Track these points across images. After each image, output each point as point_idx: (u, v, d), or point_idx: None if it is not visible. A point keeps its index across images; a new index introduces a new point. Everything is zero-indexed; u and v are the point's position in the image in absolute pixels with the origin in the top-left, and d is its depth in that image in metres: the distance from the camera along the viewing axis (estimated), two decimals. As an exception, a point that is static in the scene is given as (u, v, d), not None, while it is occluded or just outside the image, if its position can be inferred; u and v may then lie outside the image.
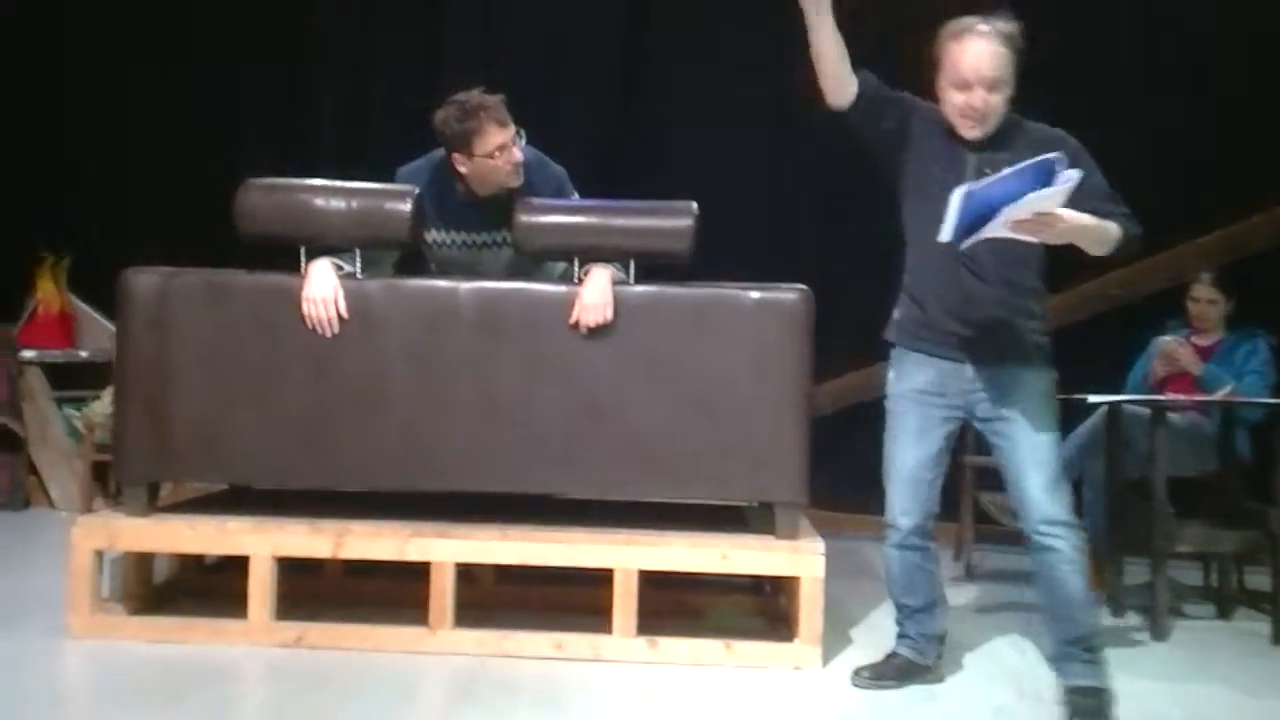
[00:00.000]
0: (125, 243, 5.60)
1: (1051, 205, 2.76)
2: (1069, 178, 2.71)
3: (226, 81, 6.15)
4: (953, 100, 2.95)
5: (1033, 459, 2.99)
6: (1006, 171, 2.76)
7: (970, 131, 2.96)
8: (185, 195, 5.98)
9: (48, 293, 6.02)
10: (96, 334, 6.00)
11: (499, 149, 3.49)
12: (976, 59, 2.89)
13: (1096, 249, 2.92)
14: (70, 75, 6.13)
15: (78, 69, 6.12)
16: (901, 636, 3.26)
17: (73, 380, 5.90)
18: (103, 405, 5.66)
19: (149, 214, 6.05)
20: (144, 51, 6.11)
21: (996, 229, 2.80)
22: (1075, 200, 2.82)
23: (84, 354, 5.95)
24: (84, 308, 6.08)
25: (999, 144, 2.96)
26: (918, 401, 3.10)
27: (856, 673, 3.22)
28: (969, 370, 3.04)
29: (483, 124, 3.47)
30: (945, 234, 2.77)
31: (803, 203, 5.96)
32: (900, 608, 3.26)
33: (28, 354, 5.81)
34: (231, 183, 3.52)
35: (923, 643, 3.24)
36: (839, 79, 3.03)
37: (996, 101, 2.92)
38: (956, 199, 2.74)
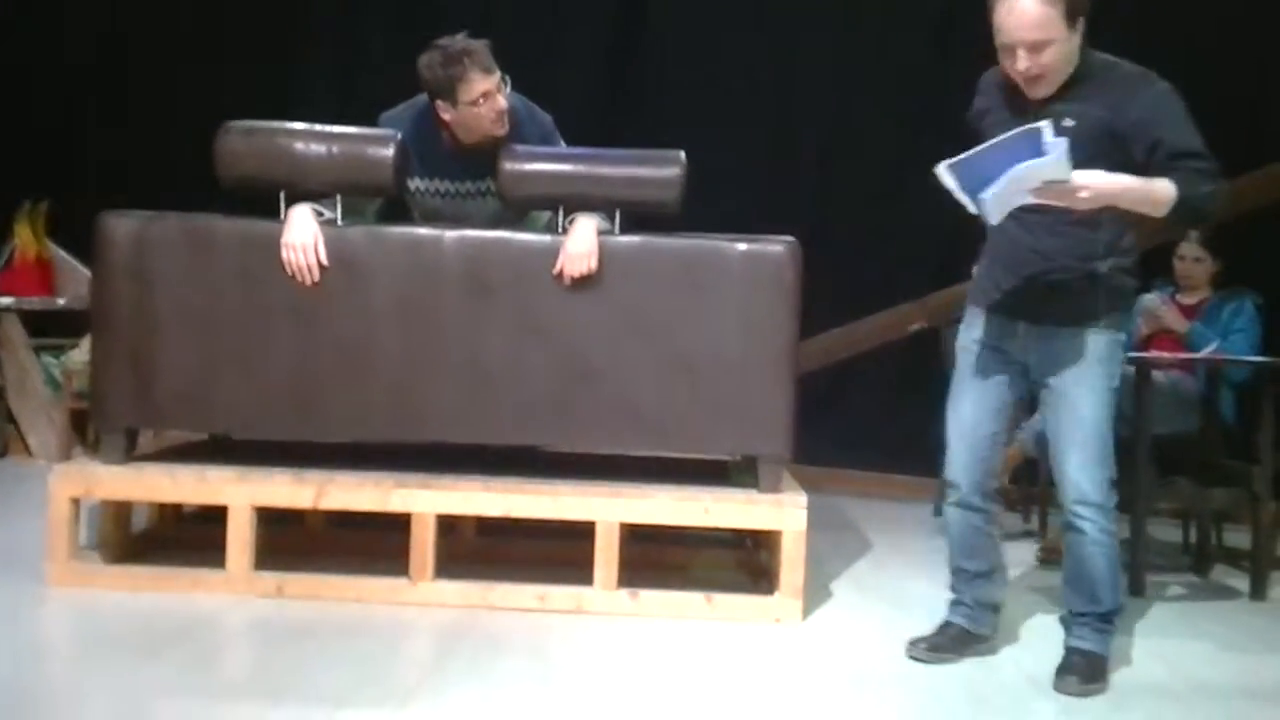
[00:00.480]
0: (105, 188, 5.53)
1: (1058, 174, 2.67)
2: (1055, 145, 2.63)
3: (219, 35, 6.04)
4: (1005, 65, 2.86)
5: (1071, 434, 2.89)
6: (988, 143, 2.70)
7: (1034, 92, 2.85)
8: (171, 144, 5.89)
9: (25, 239, 5.93)
10: (75, 281, 5.91)
11: (483, 96, 3.43)
12: (1015, 23, 2.77)
13: (1150, 210, 2.76)
14: (63, 23, 6.01)
15: (71, 16, 6.00)
16: (956, 604, 3.15)
17: (51, 328, 5.82)
18: (81, 354, 5.59)
19: (132, 160, 5.95)
20: (136, 6, 6.01)
21: (1018, 199, 2.73)
22: (1084, 136, 2.73)
23: (62, 301, 5.87)
24: (62, 254, 6.00)
25: (1067, 94, 2.83)
26: (977, 353, 3.01)
27: (912, 644, 3.11)
28: (1021, 328, 2.96)
29: (466, 71, 3.41)
30: (971, 207, 2.72)
31: (794, 159, 5.91)
32: (956, 571, 3.14)
33: (5, 301, 5.74)
34: (215, 129, 3.46)
35: (978, 611, 3.12)
36: None
37: (1047, 61, 2.78)
38: (942, 173, 2.69)
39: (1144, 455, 3.89)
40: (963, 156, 2.69)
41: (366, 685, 2.72)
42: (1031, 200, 2.75)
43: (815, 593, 3.56)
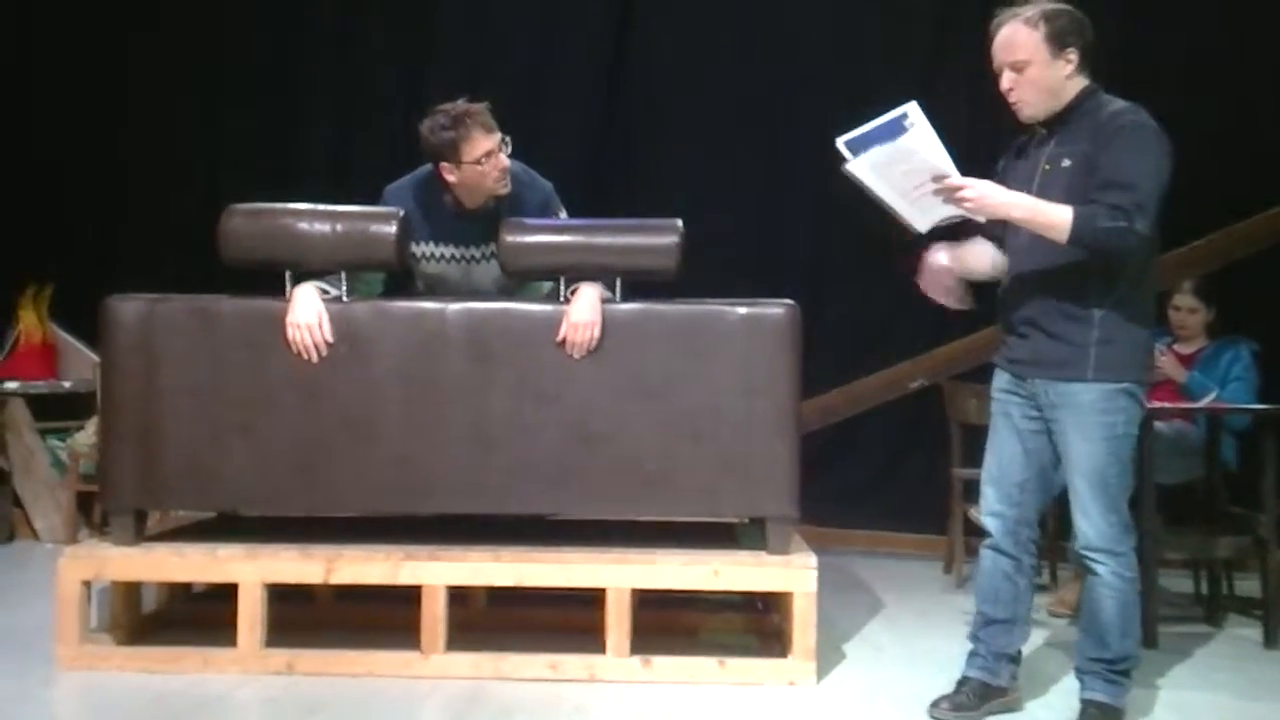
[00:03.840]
0: (107, 271, 5.59)
1: (935, 162, 2.79)
2: (914, 124, 2.74)
3: (212, 110, 6.14)
4: (1001, 89, 2.97)
5: (1073, 483, 2.92)
6: (869, 124, 2.81)
7: (1021, 114, 2.96)
8: (170, 224, 5.97)
9: (29, 323, 5.97)
10: (79, 364, 5.96)
11: (486, 155, 3.49)
12: (1000, 44, 2.93)
13: (1047, 233, 2.83)
14: (53, 104, 6.11)
15: (60, 96, 6.10)
16: (973, 655, 3.14)
17: (56, 411, 5.85)
18: (86, 435, 5.61)
19: (132, 243, 6.02)
20: (130, 79, 6.11)
21: (932, 205, 2.87)
22: (1078, 176, 2.83)
23: (67, 384, 5.90)
24: (66, 337, 6.04)
25: (1065, 135, 2.92)
26: (1001, 402, 3.07)
27: (935, 704, 3.09)
28: (1026, 380, 3.00)
29: (469, 130, 3.47)
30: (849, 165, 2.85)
31: (790, 219, 5.97)
32: (978, 615, 3.13)
33: (10, 385, 5.76)
34: (217, 210, 3.52)
35: (993, 662, 3.11)
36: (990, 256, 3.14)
37: (1028, 81, 2.89)
38: (841, 147, 2.83)
39: (1149, 505, 3.89)
40: (855, 132, 2.83)
41: (381, 761, 2.71)
42: (947, 208, 2.87)
43: (828, 653, 3.54)
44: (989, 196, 2.84)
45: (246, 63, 6.12)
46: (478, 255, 3.69)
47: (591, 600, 3.48)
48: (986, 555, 3.12)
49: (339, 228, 3.43)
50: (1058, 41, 2.88)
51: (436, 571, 3.35)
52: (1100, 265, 2.86)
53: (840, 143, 2.85)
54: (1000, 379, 3.10)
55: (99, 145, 6.09)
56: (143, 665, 3.35)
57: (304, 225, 3.43)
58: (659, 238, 3.48)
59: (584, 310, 3.38)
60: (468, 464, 3.42)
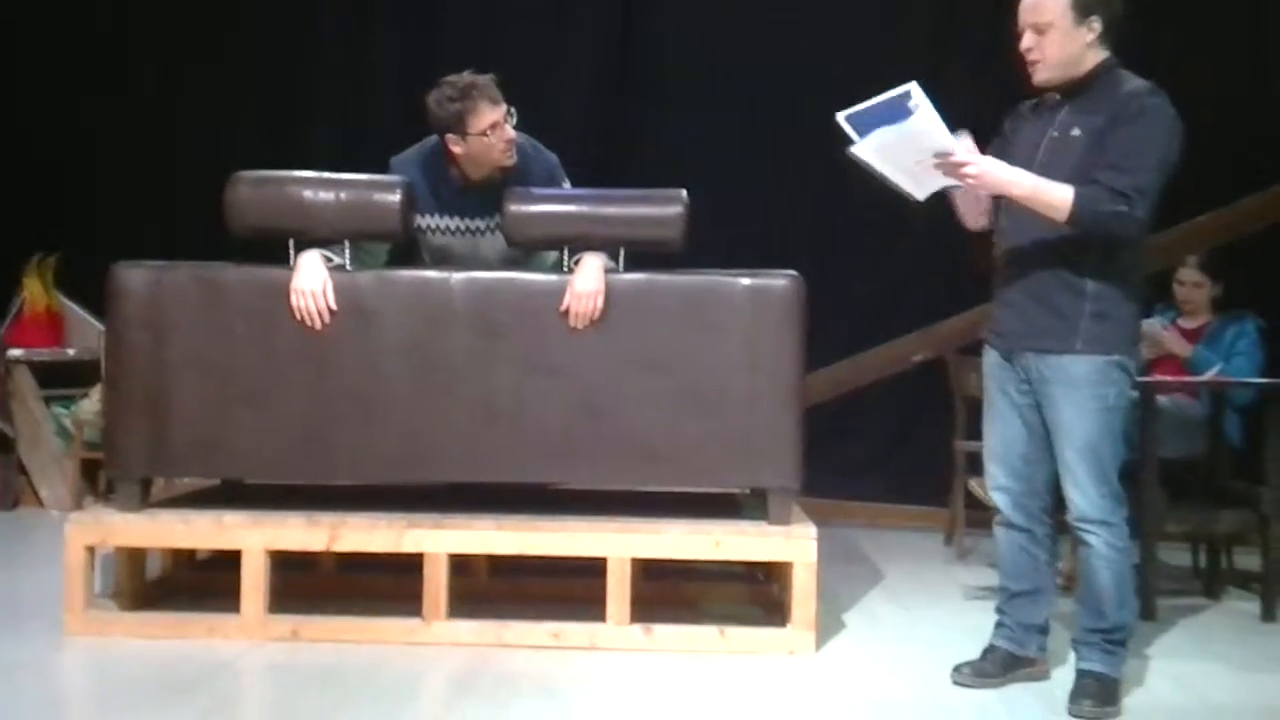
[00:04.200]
0: (113, 240, 5.59)
1: (939, 142, 2.79)
2: (919, 107, 2.74)
3: (220, 79, 6.13)
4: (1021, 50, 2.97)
5: (1064, 455, 2.93)
6: (871, 101, 2.81)
7: (1036, 76, 2.95)
8: (176, 193, 5.97)
9: (34, 291, 5.98)
10: (84, 332, 5.97)
11: (492, 127, 3.49)
12: (1027, 4, 2.93)
13: (1046, 212, 2.84)
14: (61, 73, 6.10)
15: (71, 67, 6.09)
16: (999, 626, 3.17)
17: (61, 379, 5.87)
18: (91, 404, 5.63)
19: (138, 212, 6.02)
20: (141, 49, 6.10)
21: (929, 176, 2.87)
22: (1092, 154, 2.83)
23: (71, 352, 5.91)
24: (71, 306, 6.05)
25: (1079, 105, 2.93)
26: (995, 379, 3.08)
27: (957, 669, 3.13)
28: (1018, 354, 3.01)
29: (475, 102, 3.47)
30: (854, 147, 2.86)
31: (797, 190, 5.97)
32: (1001, 590, 3.17)
33: (15, 353, 5.78)
34: (224, 180, 3.51)
35: (1020, 633, 3.13)
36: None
37: (1048, 43, 2.89)
38: (842, 122, 2.83)
39: (1151, 479, 3.90)
40: (855, 109, 2.83)
41: (384, 726, 2.74)
42: (945, 179, 2.87)
43: (828, 624, 3.57)
44: (990, 173, 2.85)
45: (251, 32, 6.11)
46: (483, 227, 3.69)
47: (593, 571, 3.50)
48: (999, 532, 3.14)
49: (343, 196, 3.43)
50: (1082, 9, 2.88)
51: (440, 539, 3.37)
52: (1098, 241, 2.87)
53: (841, 118, 2.85)
54: (991, 355, 3.10)
55: (106, 114, 6.09)
56: (148, 631, 3.38)
57: (309, 194, 3.43)
58: (664, 208, 3.48)
59: (588, 280, 3.38)
60: (472, 434, 3.43)
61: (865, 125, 2.82)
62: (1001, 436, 3.08)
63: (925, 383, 5.60)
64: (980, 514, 5.05)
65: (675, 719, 2.86)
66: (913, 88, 2.76)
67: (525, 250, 3.68)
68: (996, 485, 3.11)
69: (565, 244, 3.48)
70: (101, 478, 5.62)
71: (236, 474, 3.69)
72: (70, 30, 6.13)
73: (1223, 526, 4.18)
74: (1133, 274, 2.97)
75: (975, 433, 5.07)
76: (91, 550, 3.41)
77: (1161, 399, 4.09)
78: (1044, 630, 3.19)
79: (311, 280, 3.38)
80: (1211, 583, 4.30)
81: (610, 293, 3.40)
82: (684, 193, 3.50)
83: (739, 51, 5.90)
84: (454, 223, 3.70)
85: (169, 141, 6.09)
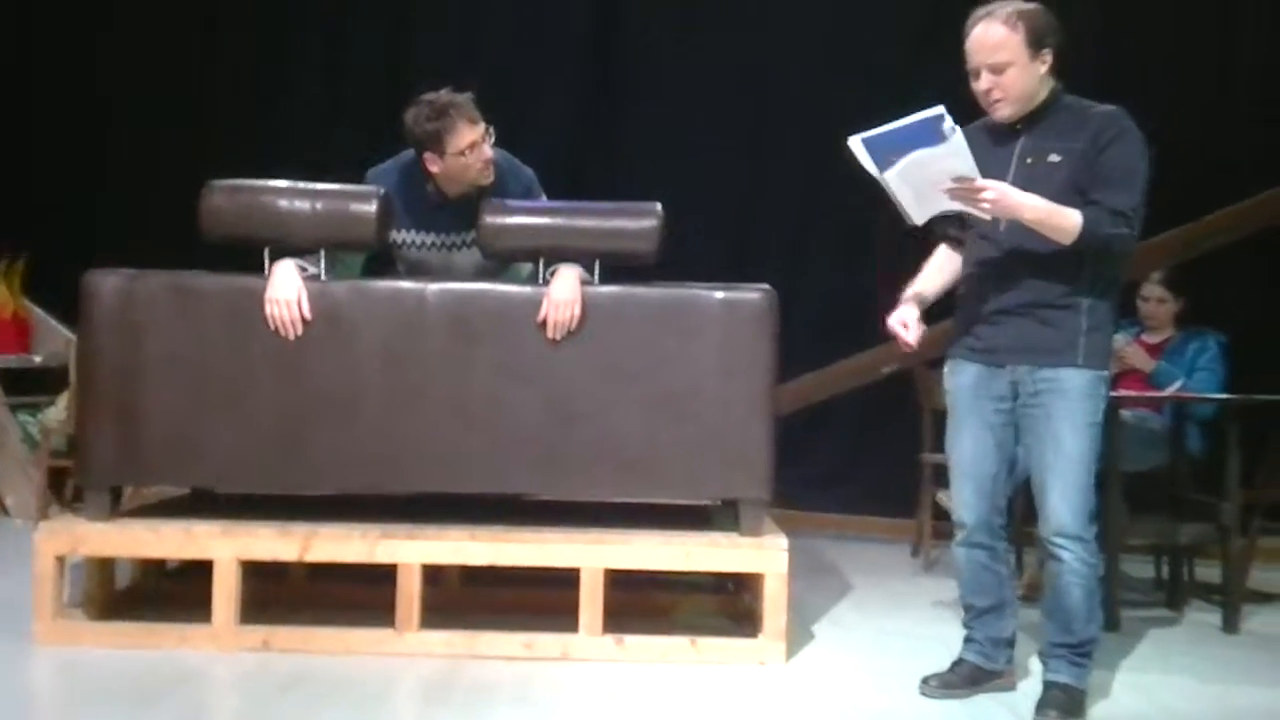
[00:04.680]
0: (81, 247, 5.56)
1: (961, 167, 2.81)
2: (952, 133, 2.75)
3: (191, 82, 6.11)
4: (974, 89, 3.01)
5: (1054, 465, 2.94)
6: (895, 124, 2.80)
7: (999, 113, 2.99)
8: (145, 200, 5.95)
9: (2, 296, 5.94)
10: (51, 338, 5.93)
11: (470, 147, 3.50)
12: (975, 43, 2.96)
13: (1053, 235, 2.88)
14: (28, 78, 6.06)
15: (44, 72, 6.06)
16: (968, 641, 3.21)
17: (27, 386, 5.81)
18: (57, 411, 5.59)
19: (106, 217, 5.99)
20: (112, 51, 6.07)
21: (934, 199, 2.87)
22: (1075, 177, 2.88)
23: (38, 359, 5.87)
24: (38, 312, 6.01)
25: (1046, 127, 2.98)
26: (968, 396, 3.09)
27: (925, 681, 3.17)
28: (1006, 369, 3.03)
29: (454, 122, 3.48)
30: (886, 184, 2.85)
31: (767, 205, 6.02)
32: (967, 608, 3.20)
33: (-19, 359, 5.73)
34: (193, 186, 3.50)
35: (989, 647, 3.18)
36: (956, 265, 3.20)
37: (1007, 83, 2.94)
38: (856, 147, 2.82)
39: (1115, 492, 3.97)
40: (874, 132, 2.82)
41: (357, 736, 2.74)
42: (949, 203, 2.89)
43: (797, 634, 3.60)
44: (1007, 198, 2.86)
45: (231, 43, 6.11)
46: (458, 242, 3.70)
47: (564, 581, 3.51)
48: (961, 552, 3.17)
49: (319, 206, 3.43)
50: (1036, 43, 2.94)
51: (413, 550, 3.37)
52: (1094, 257, 2.93)
53: (858, 141, 2.82)
54: (965, 372, 3.09)
55: (74, 120, 6.06)
56: (118, 641, 3.36)
57: (284, 203, 3.43)
58: (638, 221, 3.51)
59: (564, 290, 3.41)
60: (447, 444, 3.44)
61: (888, 147, 2.79)
62: (972, 456, 3.10)
63: (893, 394, 5.66)
64: (947, 525, 5.10)
65: (648, 728, 2.88)
66: (944, 113, 2.75)
67: (500, 263, 3.70)
68: (964, 503, 3.13)
69: (540, 256, 3.50)
70: (68, 486, 5.58)
71: (209, 483, 3.68)
72: (39, 32, 6.10)
73: (1184, 539, 4.25)
74: (1117, 291, 3.05)
75: (942, 445, 5.14)
76: (61, 559, 3.38)
77: (1124, 412, 4.16)
78: (1010, 643, 3.23)
79: (286, 290, 3.38)
80: (1174, 594, 4.37)
81: (586, 304, 3.43)
82: (659, 206, 3.53)
83: (716, 55, 5.94)
84: (429, 238, 3.71)
85: (139, 146, 6.07)
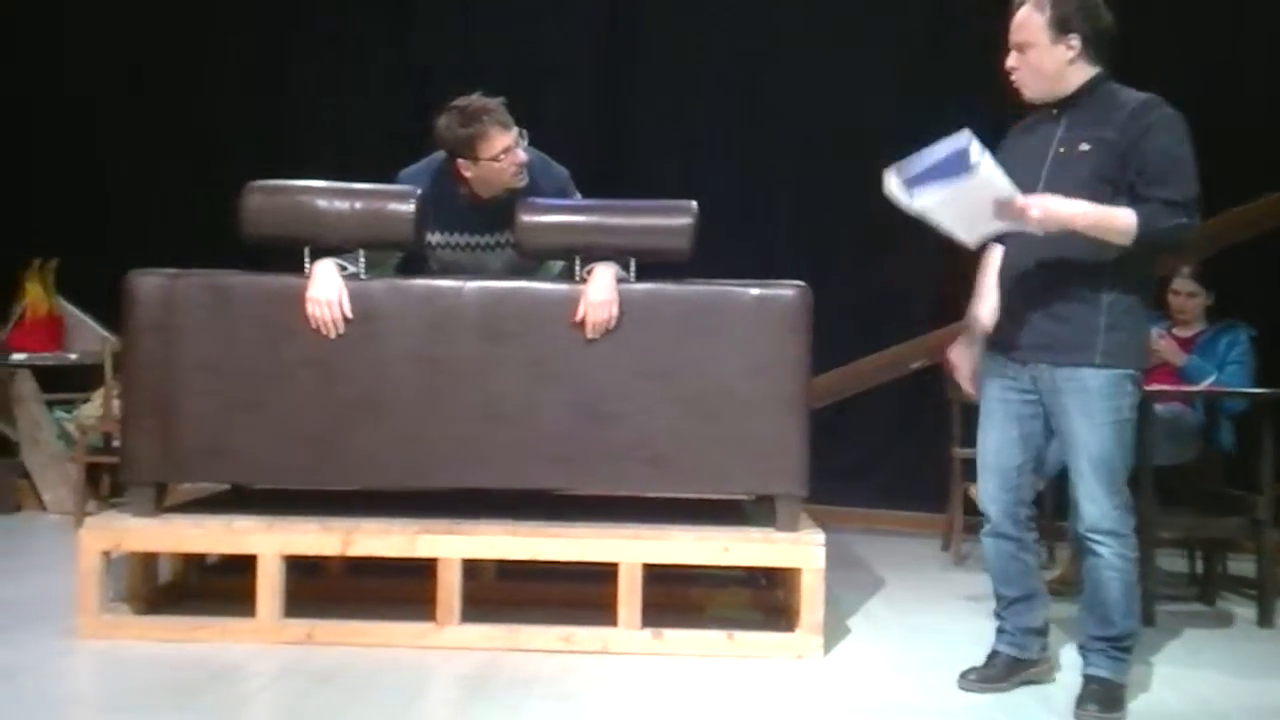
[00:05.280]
0: (112, 246, 5.62)
1: (999, 191, 2.80)
2: (980, 158, 2.73)
3: (217, 87, 6.17)
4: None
5: (1077, 465, 2.97)
6: (925, 156, 2.79)
7: (1023, 93, 3.02)
8: (171, 199, 6.01)
9: (35, 296, 6.01)
10: (85, 336, 6.00)
11: (504, 152, 3.53)
12: (1013, 21, 2.99)
13: (1110, 238, 2.85)
14: (64, 79, 6.13)
15: (73, 73, 6.12)
16: (1000, 632, 3.23)
17: (62, 384, 5.89)
18: (93, 408, 5.66)
19: (137, 218, 6.06)
20: (139, 57, 6.13)
21: (983, 222, 2.87)
22: (1103, 166, 2.87)
23: (73, 356, 5.94)
24: (72, 310, 6.08)
25: (1081, 115, 2.97)
26: (995, 389, 3.11)
27: (964, 676, 3.19)
28: (1029, 366, 3.04)
29: (486, 128, 3.51)
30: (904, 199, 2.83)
31: (794, 200, 6.02)
32: (998, 599, 3.22)
33: (17, 357, 5.80)
34: (218, 187, 3.54)
35: (1020, 637, 3.20)
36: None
37: (1029, 61, 2.95)
38: (891, 182, 2.81)
39: (1147, 486, 3.97)
40: (906, 166, 2.81)
41: (401, 729, 2.78)
42: (999, 224, 2.88)
43: (832, 629, 3.61)
44: (1054, 211, 2.84)
45: (249, 45, 6.16)
46: (490, 243, 3.73)
47: (598, 575, 3.55)
48: (989, 543, 3.20)
49: (358, 205, 3.47)
50: (1060, 26, 2.93)
51: (452, 544, 3.41)
52: (1114, 253, 2.90)
53: (893, 179, 2.81)
54: (993, 366, 3.13)
55: (109, 120, 6.12)
56: (162, 635, 3.41)
57: (323, 203, 3.47)
58: (674, 219, 3.53)
59: (601, 290, 3.43)
60: (480, 440, 3.47)
61: (920, 181, 2.78)
62: (998, 448, 3.12)
63: (922, 389, 5.67)
64: (977, 519, 5.12)
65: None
66: (971, 142, 2.74)
67: (534, 261, 3.73)
68: (990, 496, 3.16)
69: (576, 253, 3.53)
70: (104, 482, 5.65)
71: (248, 479, 3.72)
72: (73, 35, 6.16)
73: (1217, 533, 4.25)
74: (1145, 287, 3.02)
75: (972, 439, 5.13)
76: (106, 555, 3.43)
77: (1158, 407, 4.16)
78: (1043, 632, 3.25)
79: (327, 290, 3.42)
80: (1207, 588, 4.37)
81: (621, 301, 3.45)
82: (694, 204, 3.55)
83: (735, 51, 5.96)
84: (461, 239, 3.74)
85: (174, 146, 6.13)
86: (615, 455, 3.48)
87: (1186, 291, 4.65)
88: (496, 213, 3.63)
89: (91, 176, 6.14)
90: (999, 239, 3.14)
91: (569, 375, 3.48)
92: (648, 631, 3.41)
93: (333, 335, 3.43)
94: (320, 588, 3.78)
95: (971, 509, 5.00)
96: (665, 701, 3.06)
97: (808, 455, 3.51)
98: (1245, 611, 4.16)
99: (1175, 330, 4.64)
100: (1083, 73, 2.98)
